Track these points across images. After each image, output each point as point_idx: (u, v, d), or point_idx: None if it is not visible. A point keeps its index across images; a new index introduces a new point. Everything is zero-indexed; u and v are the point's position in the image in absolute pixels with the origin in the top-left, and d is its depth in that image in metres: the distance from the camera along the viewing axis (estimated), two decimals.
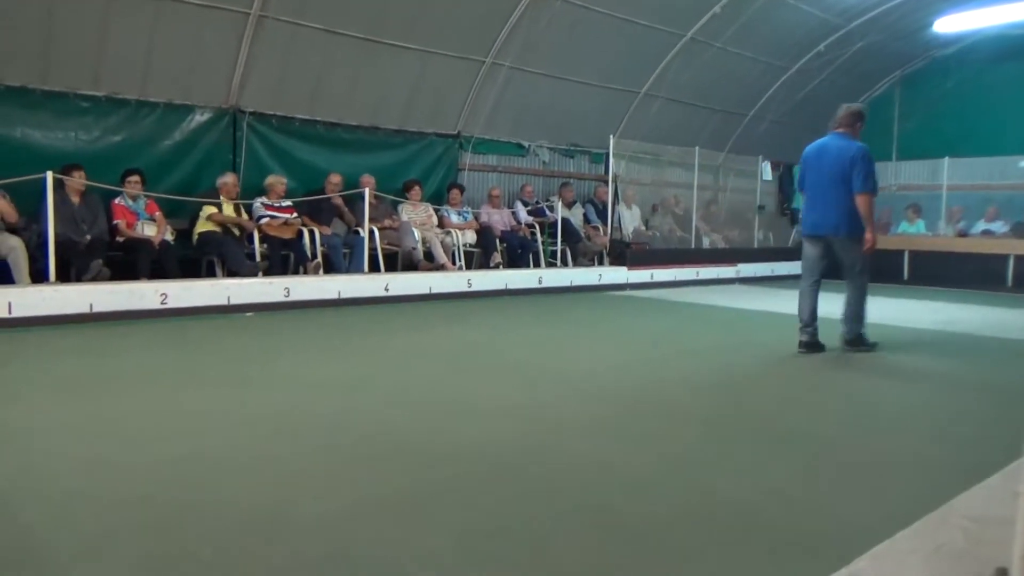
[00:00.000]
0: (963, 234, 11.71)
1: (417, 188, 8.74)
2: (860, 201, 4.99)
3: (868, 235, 5.04)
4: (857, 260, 5.15)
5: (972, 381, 4.47)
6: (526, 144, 10.47)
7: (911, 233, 12.24)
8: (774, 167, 13.32)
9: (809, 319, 5.25)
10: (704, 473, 2.67)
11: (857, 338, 5.27)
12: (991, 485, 1.57)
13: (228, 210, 7.35)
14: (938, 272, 11.01)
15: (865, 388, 4.23)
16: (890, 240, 12.09)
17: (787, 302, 8.52)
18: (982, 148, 12.10)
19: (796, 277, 11.76)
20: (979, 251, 10.85)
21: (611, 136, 10.47)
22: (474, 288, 8.21)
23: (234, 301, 6.58)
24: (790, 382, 4.37)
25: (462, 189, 9.29)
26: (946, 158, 12.50)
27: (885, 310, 7.96)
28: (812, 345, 5.23)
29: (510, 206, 10.01)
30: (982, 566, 1.28)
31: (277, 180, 7.78)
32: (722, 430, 3.25)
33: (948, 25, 11.28)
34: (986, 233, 11.52)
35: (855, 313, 5.26)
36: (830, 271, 5.33)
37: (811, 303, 5.27)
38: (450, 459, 2.75)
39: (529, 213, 9.91)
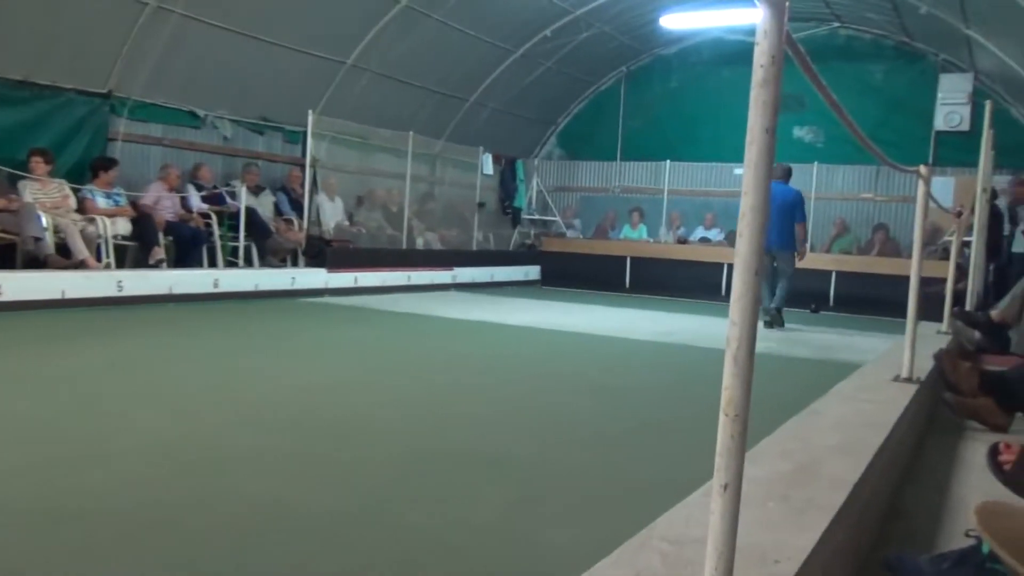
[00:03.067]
0: (683, 241, 13.26)
1: (40, 160, 7.81)
2: (800, 228, 8.61)
3: (803, 249, 8.87)
4: (791, 266, 8.70)
5: (679, 394, 5.03)
6: (202, 114, 9.92)
7: (633, 238, 13.59)
8: (496, 160, 14.02)
9: (768, 306, 8.56)
10: (399, 506, 2.67)
11: (779, 311, 8.66)
12: (690, 504, 1.73)
13: None
14: (659, 280, 12.37)
15: (576, 405, 4.55)
16: (614, 245, 13.34)
17: (509, 311, 9.06)
18: (703, 153, 13.84)
19: (519, 284, 12.65)
20: (697, 259, 12.36)
21: (311, 112, 10.30)
22: (127, 292, 7.60)
23: None
24: (498, 400, 4.57)
25: (114, 164, 8.53)
26: (667, 161, 14.08)
27: (609, 322, 8.72)
28: (772, 322, 8.56)
29: (179, 190, 9.40)
30: None
31: None
32: (424, 458, 3.29)
33: (672, 22, 12.74)
34: (704, 240, 13.16)
35: (784, 298, 8.70)
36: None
37: (770, 294, 8.59)
38: (73, 517, 2.45)
39: (204, 199, 9.39)
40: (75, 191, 8.14)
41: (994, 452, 2.45)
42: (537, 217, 15.08)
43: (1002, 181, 10.28)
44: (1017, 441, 2.54)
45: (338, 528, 2.48)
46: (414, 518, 2.60)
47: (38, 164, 7.80)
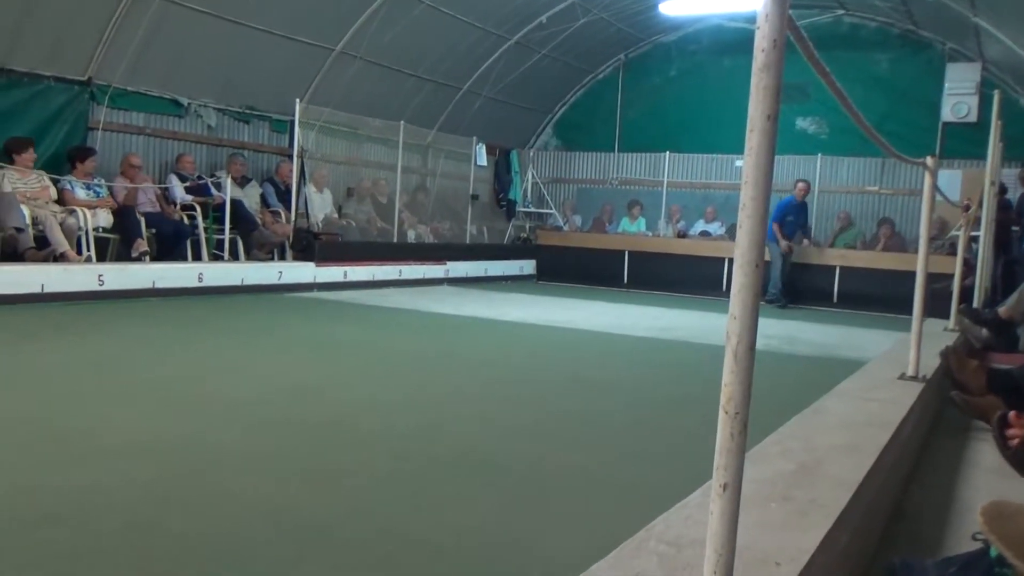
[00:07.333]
0: (682, 234, 13.27)
1: (30, 151, 7.81)
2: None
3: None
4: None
5: (678, 392, 5.04)
6: (185, 102, 9.89)
7: (631, 232, 13.60)
8: (490, 151, 14.01)
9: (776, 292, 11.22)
10: (392, 512, 2.67)
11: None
12: (690, 504, 1.73)
13: None
14: (658, 275, 12.38)
15: (570, 403, 4.55)
16: (611, 239, 13.34)
17: (502, 307, 9.05)
18: (704, 145, 13.85)
19: (514, 279, 12.65)
20: (697, 253, 12.38)
21: (298, 101, 10.27)
22: (108, 287, 7.57)
23: None
24: (490, 399, 4.58)
25: (90, 154, 8.49)
26: (667, 152, 14.08)
27: (606, 317, 8.73)
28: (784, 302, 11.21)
29: (162, 181, 9.38)
30: None
31: None
32: (414, 459, 3.29)
33: (671, 9, 12.72)
34: (704, 234, 13.17)
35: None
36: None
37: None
38: (51, 519, 2.44)
39: (187, 190, 9.36)
40: (54, 182, 8.11)
41: (1002, 423, 2.38)
42: (532, 210, 15.08)
43: (1011, 174, 10.30)
44: None
45: (326, 532, 2.48)
46: (405, 521, 2.59)
47: (22, 155, 7.80)
